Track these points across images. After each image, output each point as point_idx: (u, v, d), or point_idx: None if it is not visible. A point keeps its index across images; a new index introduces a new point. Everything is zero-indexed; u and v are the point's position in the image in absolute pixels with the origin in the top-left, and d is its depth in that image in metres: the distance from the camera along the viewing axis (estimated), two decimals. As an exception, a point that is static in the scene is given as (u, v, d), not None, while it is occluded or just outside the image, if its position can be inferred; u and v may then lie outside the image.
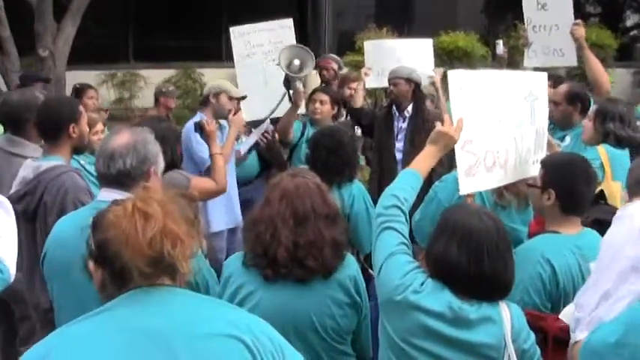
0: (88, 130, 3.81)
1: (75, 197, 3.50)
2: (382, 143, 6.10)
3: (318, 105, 5.93)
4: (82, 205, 3.43)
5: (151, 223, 1.78)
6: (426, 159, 3.10)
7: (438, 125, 3.17)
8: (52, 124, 3.68)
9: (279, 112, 6.26)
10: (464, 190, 3.32)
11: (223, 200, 5.22)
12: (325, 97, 5.98)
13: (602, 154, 4.22)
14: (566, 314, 2.69)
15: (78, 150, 3.82)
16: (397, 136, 6.00)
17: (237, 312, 2.03)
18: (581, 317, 2.42)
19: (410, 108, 6.00)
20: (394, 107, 6.14)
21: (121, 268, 1.83)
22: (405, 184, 2.95)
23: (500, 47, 6.83)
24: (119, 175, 2.75)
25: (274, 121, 6.29)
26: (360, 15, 17.54)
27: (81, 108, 3.81)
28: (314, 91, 6.23)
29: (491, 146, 3.41)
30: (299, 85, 6.03)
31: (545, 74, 3.92)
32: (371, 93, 8.60)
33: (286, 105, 6.26)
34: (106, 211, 1.89)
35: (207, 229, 5.20)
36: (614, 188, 4.12)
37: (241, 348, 1.82)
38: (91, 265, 1.91)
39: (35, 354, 1.81)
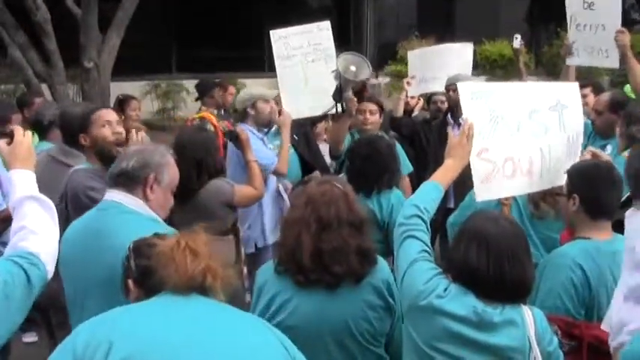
0: (105, 135, 3.82)
1: (83, 192, 3.66)
2: (437, 151, 6.03)
3: (368, 115, 5.70)
4: (91, 199, 3.51)
5: (198, 260, 2.05)
6: (446, 171, 3.11)
7: (451, 137, 3.18)
8: (71, 135, 4.10)
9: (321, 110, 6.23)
10: (480, 197, 3.36)
11: (277, 214, 5.20)
12: (374, 107, 5.77)
13: None
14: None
15: (104, 156, 3.82)
16: None
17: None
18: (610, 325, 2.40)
19: None
20: (449, 115, 6.11)
21: (160, 289, 2.08)
22: (426, 195, 2.98)
23: (518, 41, 6.75)
24: (120, 173, 2.99)
25: (315, 122, 6.29)
26: (401, 25, 17.54)
27: (94, 116, 3.87)
28: (359, 101, 6.09)
29: (510, 154, 3.42)
30: (350, 94, 5.93)
31: (576, 84, 3.88)
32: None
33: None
34: (153, 242, 2.18)
35: (264, 241, 5.20)
36: None
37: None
38: (130, 283, 2.18)
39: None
